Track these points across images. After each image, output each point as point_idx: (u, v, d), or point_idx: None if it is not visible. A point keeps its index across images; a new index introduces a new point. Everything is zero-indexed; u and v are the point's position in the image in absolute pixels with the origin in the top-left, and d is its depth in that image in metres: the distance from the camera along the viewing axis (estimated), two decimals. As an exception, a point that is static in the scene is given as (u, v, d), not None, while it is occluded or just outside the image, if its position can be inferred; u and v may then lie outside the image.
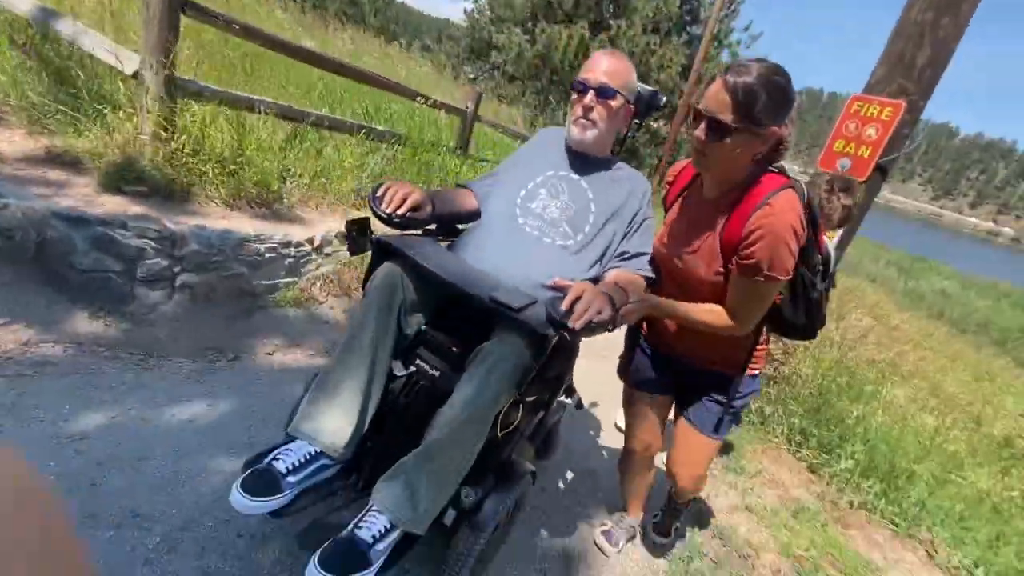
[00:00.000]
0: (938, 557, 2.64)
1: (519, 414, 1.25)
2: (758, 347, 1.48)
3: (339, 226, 2.89)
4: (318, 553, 1.02)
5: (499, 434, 1.23)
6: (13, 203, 1.90)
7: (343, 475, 1.26)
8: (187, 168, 2.52)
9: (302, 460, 1.16)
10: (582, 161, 1.50)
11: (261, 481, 1.09)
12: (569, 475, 2.21)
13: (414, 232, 1.41)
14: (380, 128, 3.51)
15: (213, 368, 2.03)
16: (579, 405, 1.95)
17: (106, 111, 2.50)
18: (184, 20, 2.39)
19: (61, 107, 2.51)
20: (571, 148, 1.51)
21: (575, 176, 1.48)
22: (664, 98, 1.63)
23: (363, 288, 1.30)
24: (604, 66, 1.41)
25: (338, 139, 3.50)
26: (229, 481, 1.28)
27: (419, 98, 3.73)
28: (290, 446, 1.18)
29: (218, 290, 2.30)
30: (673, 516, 1.91)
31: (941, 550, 2.69)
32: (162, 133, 2.43)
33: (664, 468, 1.72)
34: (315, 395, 1.23)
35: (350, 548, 1.05)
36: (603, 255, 1.43)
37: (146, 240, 2.05)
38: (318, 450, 1.19)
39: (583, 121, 1.43)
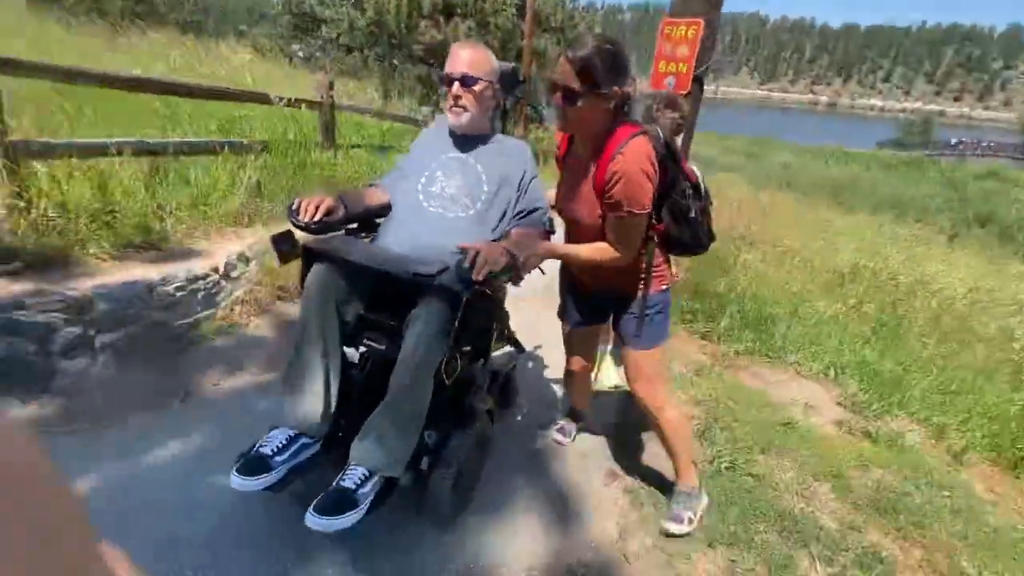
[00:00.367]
0: (802, 370, 3.43)
1: (458, 363, 1.49)
2: (655, 268, 1.68)
3: (239, 248, 2.91)
4: (312, 505, 1.28)
5: (447, 382, 1.45)
6: None
7: (324, 451, 1.50)
8: (57, 232, 2.41)
9: (283, 443, 1.42)
10: (467, 141, 1.72)
11: (252, 464, 1.36)
12: (526, 407, 2.60)
13: (334, 234, 1.61)
14: (244, 140, 3.46)
15: (169, 413, 2.10)
16: (520, 349, 2.14)
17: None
18: (3, 80, 2.24)
19: None
20: (455, 132, 1.72)
21: (463, 155, 1.70)
22: (522, 73, 1.85)
23: (301, 289, 1.51)
24: (463, 57, 1.61)
25: (202, 162, 3.41)
26: (235, 492, 1.48)
27: (276, 99, 3.68)
28: (271, 434, 1.44)
29: (141, 341, 2.31)
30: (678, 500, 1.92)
31: (804, 366, 3.48)
32: (18, 203, 2.31)
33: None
34: (283, 388, 1.49)
35: (338, 495, 1.31)
36: (502, 217, 1.66)
37: (50, 314, 2.03)
38: (296, 433, 1.44)
39: (455, 108, 1.64)
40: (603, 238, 1.56)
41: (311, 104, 4.25)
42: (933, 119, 50.95)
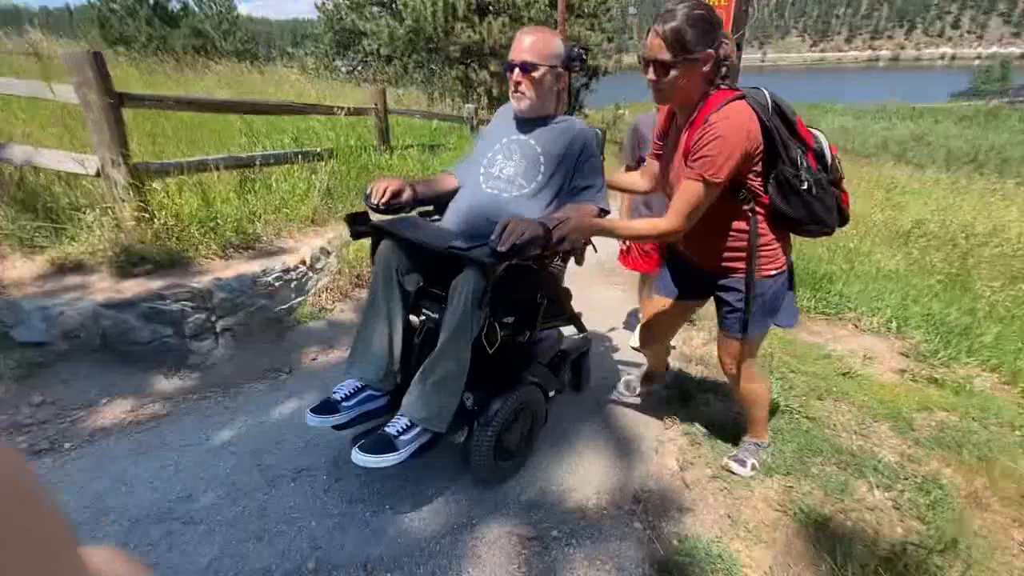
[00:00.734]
0: (862, 325, 3.43)
1: (499, 333, 1.58)
2: (763, 248, 1.54)
3: (320, 243, 3.28)
4: (359, 444, 1.47)
5: (489, 350, 1.56)
6: (67, 309, 2.23)
7: (391, 403, 1.70)
8: (176, 238, 2.84)
9: (351, 391, 1.66)
10: (529, 124, 1.79)
11: (324, 406, 1.62)
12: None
13: (403, 215, 1.79)
14: (316, 150, 3.84)
15: (280, 383, 2.46)
16: (582, 329, 2.17)
17: (85, 213, 2.77)
18: (126, 111, 2.67)
19: (41, 224, 2.77)
20: (518, 116, 1.81)
21: (523, 137, 1.79)
22: (580, 51, 1.81)
23: (372, 262, 1.72)
24: (524, 44, 1.67)
25: (279, 171, 3.82)
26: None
27: (337, 109, 4.05)
28: (343, 383, 1.69)
29: (251, 325, 2.70)
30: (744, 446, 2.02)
31: (863, 321, 3.48)
32: (144, 215, 2.74)
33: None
34: (353, 346, 1.72)
35: (380, 438, 1.48)
36: (558, 193, 1.74)
37: (183, 303, 2.43)
38: (362, 384, 1.67)
39: (516, 94, 1.72)
40: (700, 220, 1.49)
41: (365, 111, 4.61)
42: (1011, 63, 46.26)
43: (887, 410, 2.45)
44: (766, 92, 1.46)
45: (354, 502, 1.71)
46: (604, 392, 2.48)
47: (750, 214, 1.50)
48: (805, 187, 1.44)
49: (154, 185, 2.91)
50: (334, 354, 2.76)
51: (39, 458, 1.88)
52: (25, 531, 0.22)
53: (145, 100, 2.68)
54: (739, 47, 3.86)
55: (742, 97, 1.40)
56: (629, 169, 2.74)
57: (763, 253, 1.56)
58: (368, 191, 1.71)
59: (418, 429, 1.52)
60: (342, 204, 3.92)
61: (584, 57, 1.84)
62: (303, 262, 3.05)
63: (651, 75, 1.42)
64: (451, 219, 1.80)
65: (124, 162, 2.61)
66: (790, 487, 1.89)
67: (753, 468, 1.94)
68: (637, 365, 2.71)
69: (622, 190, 2.09)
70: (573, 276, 2.05)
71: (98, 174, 2.71)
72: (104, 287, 2.50)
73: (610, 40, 17.17)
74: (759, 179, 1.47)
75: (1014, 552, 1.68)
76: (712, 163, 1.36)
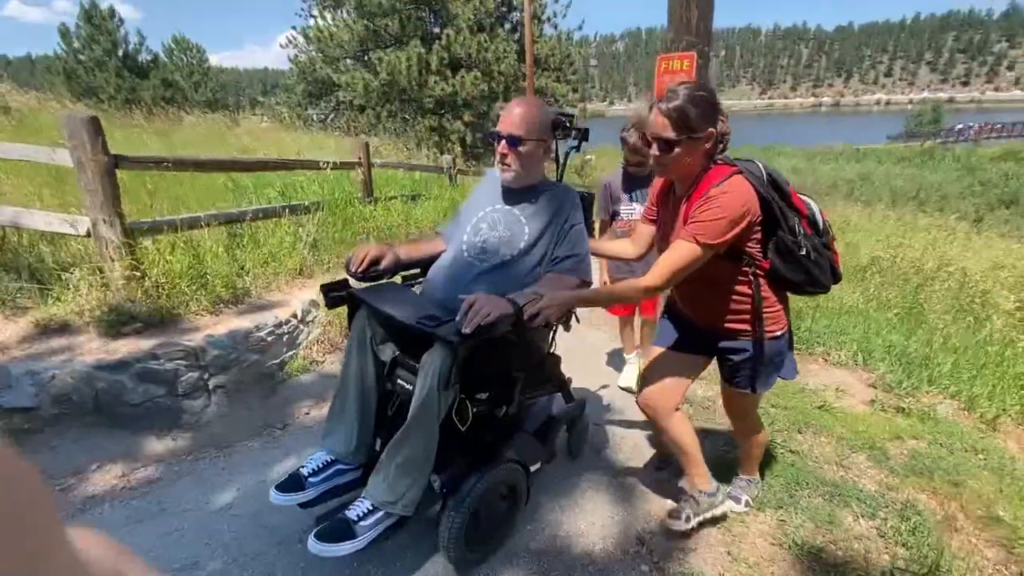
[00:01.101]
0: (831, 359, 3.63)
1: (470, 410, 1.49)
2: (767, 310, 1.59)
3: (309, 296, 3.32)
4: (315, 530, 1.40)
5: (461, 427, 1.48)
6: (59, 372, 2.20)
7: (362, 477, 1.62)
8: (167, 295, 2.84)
9: (321, 465, 1.60)
10: (515, 193, 1.79)
11: (290, 482, 1.56)
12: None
13: (383, 281, 1.78)
14: (304, 203, 3.93)
15: (275, 440, 2.45)
16: (569, 398, 2.11)
17: (72, 272, 2.76)
18: (120, 172, 2.71)
19: (24, 285, 2.74)
20: (504, 185, 1.81)
21: (508, 207, 1.78)
22: (565, 119, 1.80)
23: (349, 330, 1.69)
24: (512, 117, 1.68)
25: (266, 225, 3.87)
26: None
27: (323, 164, 4.17)
28: (313, 456, 1.64)
29: (243, 381, 2.69)
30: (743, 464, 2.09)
31: (832, 355, 3.68)
32: (135, 274, 2.75)
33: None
34: (327, 416, 1.69)
35: (339, 524, 1.41)
36: (540, 262, 1.72)
37: (176, 362, 2.42)
38: (332, 458, 1.63)
39: (502, 166, 1.73)
40: (703, 282, 1.55)
41: (350, 165, 4.75)
42: (941, 107, 50.48)
43: (862, 441, 2.59)
44: (760, 164, 1.55)
45: (365, 562, 1.71)
46: (596, 434, 2.55)
47: (752, 278, 1.55)
48: (804, 252, 1.52)
49: (145, 243, 2.93)
50: (327, 408, 2.72)
51: (30, 530, 1.82)
52: (10, 514, 0.22)
53: (142, 162, 2.74)
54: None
55: (740, 171, 1.47)
56: (604, 224, 2.92)
57: (768, 314, 1.59)
58: (348, 258, 1.72)
59: (381, 513, 1.44)
60: (328, 256, 3.98)
61: (568, 124, 1.82)
62: (294, 315, 3.08)
63: (655, 151, 1.49)
64: (432, 285, 1.78)
65: (119, 222, 2.64)
66: (783, 521, 1.99)
67: (747, 504, 2.03)
68: (619, 408, 2.80)
69: (611, 258, 2.11)
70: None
71: (88, 234, 2.72)
72: (93, 348, 2.47)
73: (575, 91, 18.11)
74: (758, 245, 1.53)
75: (989, 572, 1.80)
76: (708, 229, 1.42)
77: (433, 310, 1.55)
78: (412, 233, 4.92)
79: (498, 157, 1.74)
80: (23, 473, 0.24)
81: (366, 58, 15.03)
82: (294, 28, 16.61)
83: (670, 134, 1.44)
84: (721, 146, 1.53)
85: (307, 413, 2.70)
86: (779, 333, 1.65)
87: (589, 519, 1.98)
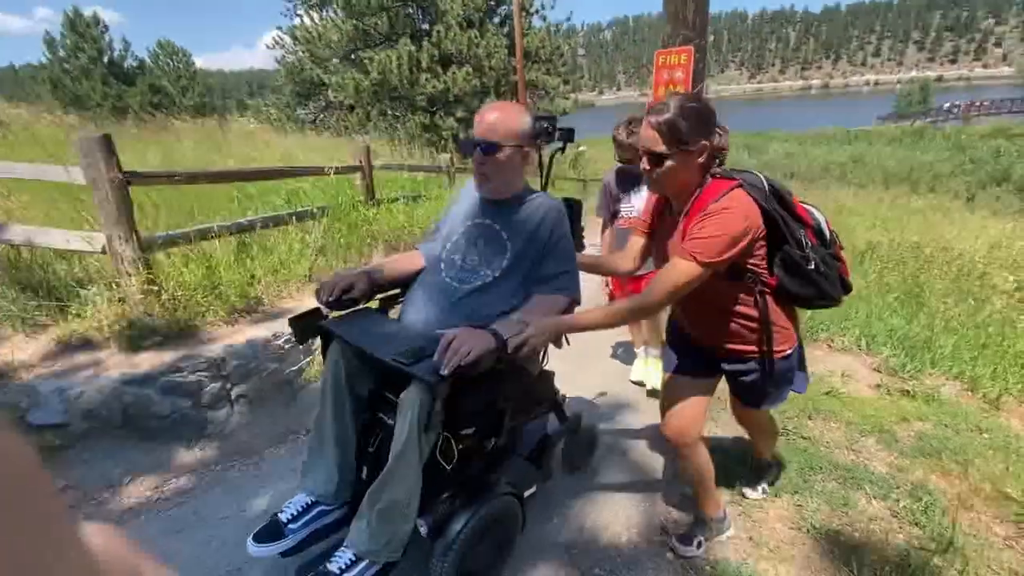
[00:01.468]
0: (835, 344, 3.71)
1: (456, 448, 1.38)
2: (775, 327, 1.51)
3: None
4: None
5: (446, 466, 1.37)
6: (87, 388, 2.25)
7: (346, 515, 1.51)
8: (183, 307, 2.88)
9: (301, 509, 1.49)
10: (495, 206, 1.66)
11: (267, 531, 1.44)
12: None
13: (356, 308, 1.65)
14: (311, 209, 3.97)
15: (299, 446, 2.49)
16: (563, 418, 2.03)
17: (89, 288, 2.79)
18: (133, 188, 2.74)
19: (41, 303, 2.77)
20: (482, 197, 1.68)
21: (488, 221, 1.65)
22: (547, 125, 1.68)
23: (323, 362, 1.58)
24: (485, 123, 1.55)
25: (273, 233, 3.91)
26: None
27: (327, 169, 4.20)
28: (293, 499, 1.52)
29: (264, 389, 2.73)
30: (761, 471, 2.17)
31: (836, 340, 3.76)
32: (152, 288, 2.79)
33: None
34: (306, 455, 1.58)
35: None
36: (523, 281, 1.61)
37: (199, 373, 2.46)
38: (313, 500, 1.51)
39: (478, 176, 1.61)
40: (705, 302, 1.51)
41: (351, 169, 4.77)
42: (930, 86, 50.63)
43: (871, 425, 2.67)
44: (762, 176, 1.47)
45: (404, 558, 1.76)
46: (614, 428, 2.62)
47: (758, 295, 1.48)
48: (812, 266, 1.44)
49: (159, 256, 2.96)
50: (347, 411, 2.81)
51: (72, 544, 1.87)
52: (18, 505, 0.21)
53: (154, 177, 2.76)
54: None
55: (740, 185, 1.40)
56: (605, 225, 2.96)
57: (777, 332, 1.52)
58: (319, 286, 1.60)
59: (365, 562, 1.34)
60: (336, 261, 4.02)
61: (552, 128, 1.69)
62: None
63: (645, 165, 1.43)
64: (412, 307, 1.67)
65: (135, 237, 2.67)
66: (800, 505, 2.06)
67: (764, 492, 2.11)
68: (633, 402, 2.86)
69: (606, 273, 2.07)
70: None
71: (103, 250, 2.75)
72: (117, 362, 2.51)
73: (566, 82, 18.11)
74: (763, 262, 1.46)
75: (1000, 547, 1.87)
76: (707, 246, 1.35)
77: (411, 341, 1.43)
78: (416, 234, 4.96)
79: (475, 167, 1.60)
80: (30, 468, 0.23)
81: (354, 57, 14.99)
82: (279, 28, 16.53)
83: (660, 148, 1.39)
84: (718, 160, 1.46)
85: (328, 418, 2.75)
86: (788, 352, 1.57)
87: (613, 511, 2.04)
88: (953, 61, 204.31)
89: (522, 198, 1.68)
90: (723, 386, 1.81)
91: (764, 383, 1.59)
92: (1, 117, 8.86)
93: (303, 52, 15.86)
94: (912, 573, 1.65)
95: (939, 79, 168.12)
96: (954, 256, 5.41)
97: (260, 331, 2.91)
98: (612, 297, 3.05)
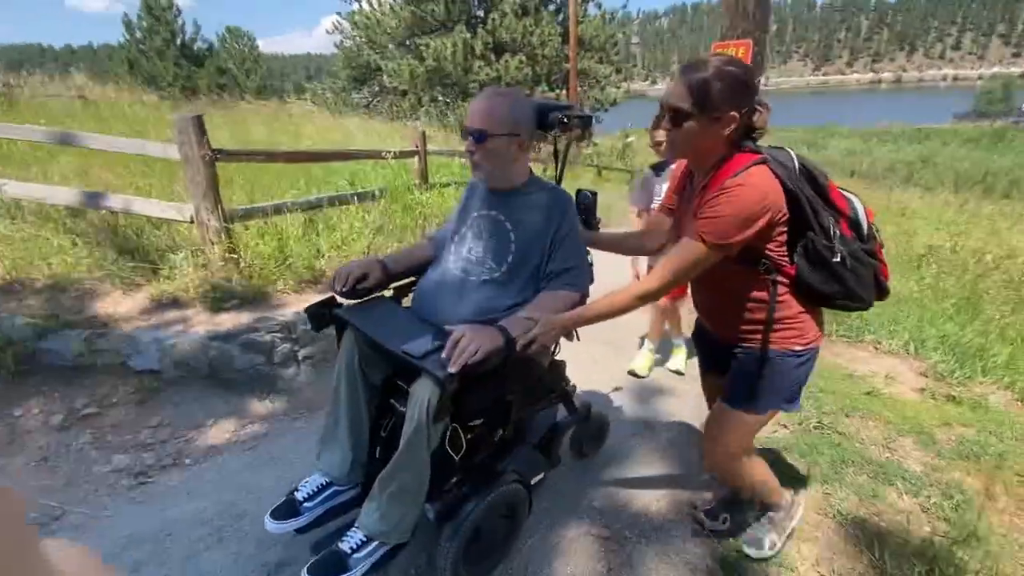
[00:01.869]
0: (882, 347, 3.66)
1: (463, 438, 1.45)
2: (788, 319, 1.39)
3: (378, 277, 3.61)
4: (308, 564, 1.35)
5: (455, 456, 1.43)
6: (179, 340, 2.55)
7: (360, 495, 1.57)
8: (259, 275, 3.18)
9: (316, 488, 1.56)
10: (500, 196, 1.64)
11: (285, 508, 1.52)
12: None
13: (372, 296, 1.69)
14: (373, 190, 4.22)
15: (356, 404, 2.74)
16: (572, 409, 2.02)
17: (177, 254, 3.11)
18: (218, 164, 3.03)
19: (137, 264, 3.12)
20: (486, 187, 1.66)
21: (493, 213, 1.63)
22: (562, 116, 1.65)
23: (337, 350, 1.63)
24: (476, 111, 1.52)
25: (335, 212, 4.18)
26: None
27: (385, 153, 4.44)
28: (308, 479, 1.59)
29: (327, 353, 2.99)
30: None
31: (883, 343, 3.71)
32: (232, 256, 3.08)
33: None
34: (320, 439, 1.64)
35: (332, 557, 1.37)
36: (533, 274, 1.59)
37: (274, 334, 2.74)
38: (328, 480, 1.58)
39: (471, 163, 1.58)
40: (715, 286, 1.43)
41: (409, 154, 5.00)
42: (1014, 83, 46.76)
43: (910, 426, 2.67)
44: (792, 153, 1.34)
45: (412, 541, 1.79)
46: (644, 407, 2.74)
47: (771, 285, 1.36)
48: (838, 259, 1.30)
49: (237, 228, 3.26)
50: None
51: (167, 472, 2.17)
52: None
53: (238, 155, 3.05)
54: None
55: (764, 161, 1.27)
56: (640, 212, 2.91)
57: (789, 326, 1.40)
58: (334, 275, 1.64)
59: (375, 543, 1.41)
60: (392, 240, 4.26)
61: (569, 120, 1.64)
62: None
63: (666, 123, 1.31)
64: (421, 300, 1.69)
65: (220, 209, 2.96)
66: (828, 494, 2.13)
67: (772, 546, 1.75)
68: (668, 388, 2.96)
69: (629, 253, 1.98)
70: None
71: (191, 220, 3.06)
72: (202, 320, 2.82)
73: (619, 72, 17.86)
74: (782, 248, 1.34)
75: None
76: (717, 226, 1.24)
77: (421, 332, 1.44)
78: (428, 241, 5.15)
79: (469, 156, 1.58)
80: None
81: (410, 44, 15.30)
82: (339, 14, 17.05)
83: (685, 105, 1.25)
84: (753, 137, 1.33)
85: (382, 383, 2.99)
86: (799, 348, 1.41)
87: (645, 484, 2.17)
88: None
89: (528, 189, 1.65)
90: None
91: (757, 376, 1.42)
92: (89, 95, 9.63)
93: (360, 37, 16.32)
94: (933, 560, 1.71)
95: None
96: (1019, 264, 5.15)
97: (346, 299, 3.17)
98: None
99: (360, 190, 4.25)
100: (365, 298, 1.66)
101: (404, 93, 15.55)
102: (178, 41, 24.21)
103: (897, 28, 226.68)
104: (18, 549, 0.25)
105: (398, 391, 1.56)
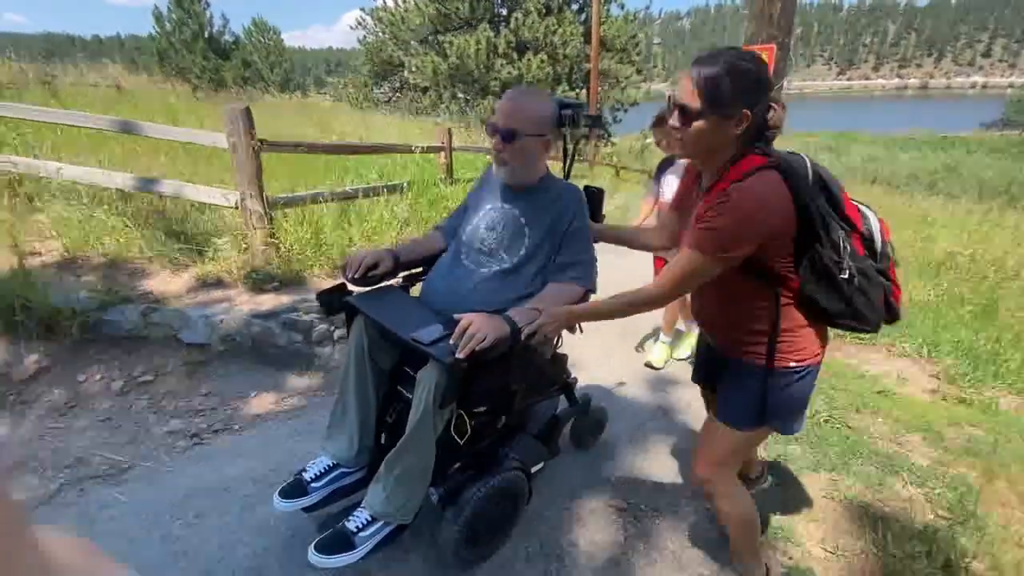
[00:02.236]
0: (895, 350, 3.74)
1: (469, 424, 1.49)
2: (788, 333, 1.30)
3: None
4: (316, 540, 1.41)
5: (459, 441, 1.48)
6: (226, 317, 2.73)
7: (365, 477, 1.63)
8: (297, 260, 3.36)
9: (323, 470, 1.62)
10: (515, 191, 1.68)
11: (293, 488, 1.58)
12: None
13: (382, 284, 1.71)
14: (403, 183, 4.39)
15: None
16: (573, 402, 2.10)
17: (222, 239, 3.31)
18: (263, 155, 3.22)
19: (182, 246, 3.32)
20: (502, 182, 1.69)
21: (508, 206, 1.67)
22: (573, 113, 1.65)
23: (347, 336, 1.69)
24: (505, 110, 1.55)
25: (365, 203, 4.36)
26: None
27: (414, 148, 4.60)
28: (315, 460, 1.65)
29: (359, 335, 3.16)
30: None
31: (896, 346, 3.79)
32: (272, 241, 3.27)
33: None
34: (329, 421, 1.68)
35: (338, 535, 1.43)
36: (543, 267, 1.63)
37: (312, 315, 2.91)
38: (335, 462, 1.63)
39: (497, 160, 1.61)
40: (716, 295, 1.37)
41: (435, 149, 5.16)
42: (1047, 92, 45.63)
43: (919, 424, 2.76)
44: (808, 161, 1.25)
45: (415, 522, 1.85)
46: (656, 395, 2.87)
47: (772, 295, 1.29)
48: (846, 276, 1.22)
49: (277, 215, 3.44)
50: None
51: (218, 436, 2.35)
52: None
53: (281, 146, 3.22)
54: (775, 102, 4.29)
55: (776, 166, 1.19)
56: (650, 205, 2.98)
57: (787, 339, 1.31)
58: (345, 262, 1.68)
59: (380, 523, 1.47)
60: (418, 232, 4.43)
61: (577, 118, 1.65)
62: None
63: (674, 121, 1.25)
64: (430, 290, 1.72)
65: (263, 196, 3.14)
66: (835, 480, 2.24)
67: None
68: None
69: (638, 248, 1.89)
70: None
71: (236, 206, 3.25)
72: (245, 300, 3.01)
73: (639, 72, 17.88)
74: (788, 260, 1.25)
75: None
76: (716, 238, 1.19)
77: (430, 320, 1.48)
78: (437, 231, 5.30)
79: (495, 153, 1.61)
80: None
81: (433, 40, 15.49)
82: (363, 10, 17.28)
83: (694, 103, 1.19)
84: (767, 136, 1.25)
85: (410, 366, 3.15)
86: (794, 364, 1.32)
87: (659, 458, 2.32)
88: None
89: (543, 185, 1.69)
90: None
91: (751, 392, 1.35)
92: (123, 84, 9.95)
93: (384, 33, 16.55)
94: (933, 542, 1.82)
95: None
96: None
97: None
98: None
99: (389, 183, 4.42)
100: (375, 286, 1.69)
101: (425, 90, 15.76)
102: (206, 34, 24.72)
103: (925, 33, 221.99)
104: (16, 552, 0.25)
105: (405, 378, 1.62)
